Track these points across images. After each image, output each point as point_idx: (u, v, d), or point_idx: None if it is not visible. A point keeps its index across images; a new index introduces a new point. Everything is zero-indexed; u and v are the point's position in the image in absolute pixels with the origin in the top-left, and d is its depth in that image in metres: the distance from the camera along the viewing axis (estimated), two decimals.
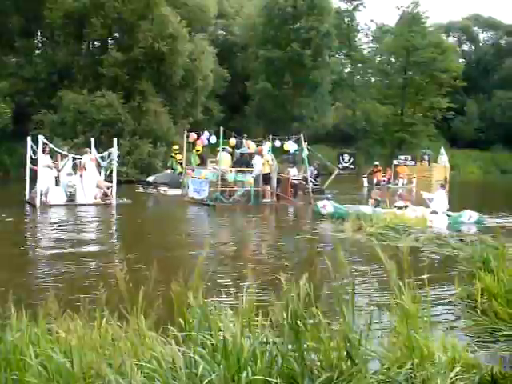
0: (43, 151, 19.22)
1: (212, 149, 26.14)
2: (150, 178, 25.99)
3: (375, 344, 4.70)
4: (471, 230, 15.33)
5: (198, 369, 3.89)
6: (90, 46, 36.81)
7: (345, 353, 4.30)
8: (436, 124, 55.65)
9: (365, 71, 61.11)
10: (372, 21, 65.08)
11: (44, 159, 19.26)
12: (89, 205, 19.29)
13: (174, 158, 27.61)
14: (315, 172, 25.29)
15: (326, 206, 17.36)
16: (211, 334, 4.24)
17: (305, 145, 23.83)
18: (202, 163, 24.93)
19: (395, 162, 36.28)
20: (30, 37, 36.32)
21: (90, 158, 20.36)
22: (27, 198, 19.45)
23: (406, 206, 17.03)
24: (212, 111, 44.04)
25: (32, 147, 19.52)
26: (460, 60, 65.68)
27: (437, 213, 16.50)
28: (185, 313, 4.36)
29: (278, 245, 13.41)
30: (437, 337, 5.00)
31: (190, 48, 33.81)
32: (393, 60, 57.69)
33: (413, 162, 36.88)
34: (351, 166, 42.18)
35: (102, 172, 21.11)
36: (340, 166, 37.48)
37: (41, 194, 18.69)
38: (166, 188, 24.76)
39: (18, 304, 4.66)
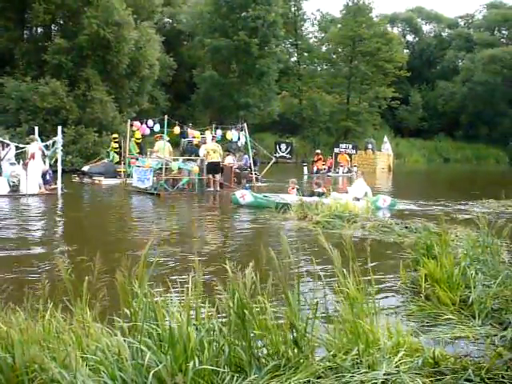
0: None
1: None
2: (85, 168, 25.39)
3: (321, 331, 4.76)
4: (387, 215, 15.72)
5: (144, 359, 3.85)
6: (33, 31, 35.97)
7: (291, 340, 4.33)
8: (381, 113, 56.49)
9: (311, 60, 61.49)
10: (318, 10, 65.61)
11: None
12: (33, 195, 18.90)
13: (111, 146, 27.31)
14: (250, 160, 25.21)
15: (245, 195, 17.31)
16: (158, 324, 4.21)
17: (242, 133, 23.98)
18: (141, 152, 24.84)
19: (336, 150, 36.65)
20: None
21: (38, 146, 19.93)
22: None
23: (322, 193, 17.21)
24: (158, 100, 43.72)
25: None
26: (404, 51, 66.76)
27: (358, 199, 16.84)
28: (130, 303, 4.32)
29: (224, 233, 13.41)
30: (382, 322, 5.08)
31: (136, 36, 33.32)
32: (339, 49, 58.20)
33: (353, 151, 37.31)
34: (288, 155, 42.50)
35: (47, 161, 20.70)
36: (277, 154, 37.59)
37: None
38: (101, 178, 24.33)
39: None
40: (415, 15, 74.97)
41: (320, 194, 17.05)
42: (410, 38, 76.02)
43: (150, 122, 23.32)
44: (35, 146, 19.76)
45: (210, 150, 21.54)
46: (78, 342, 4.11)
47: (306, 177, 30.21)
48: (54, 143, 20.55)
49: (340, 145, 38.05)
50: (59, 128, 20.51)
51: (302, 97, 55.40)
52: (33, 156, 19.43)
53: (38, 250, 10.50)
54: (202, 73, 47.42)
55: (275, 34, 47.92)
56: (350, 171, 34.82)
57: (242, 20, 45.20)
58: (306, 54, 60.97)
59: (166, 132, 21.67)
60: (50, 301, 4.54)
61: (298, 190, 18.00)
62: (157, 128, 22.77)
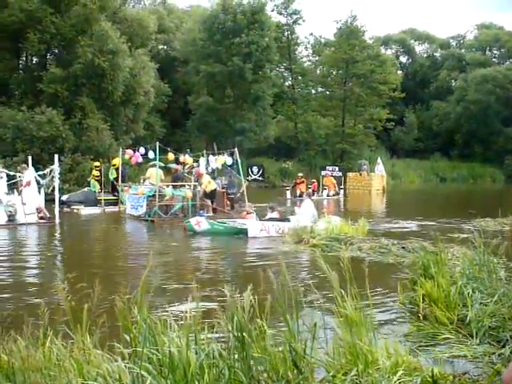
0: None
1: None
2: (64, 197, 24.44)
3: (320, 352, 4.78)
4: None
5: None
6: (28, 61, 36.22)
7: (291, 362, 4.36)
8: (377, 134, 56.67)
9: (305, 84, 61.80)
10: (311, 34, 65.99)
11: None
12: (30, 224, 18.88)
13: (92, 174, 26.90)
14: (225, 183, 25.06)
15: (201, 222, 16.75)
16: (158, 349, 4.24)
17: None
18: (117, 178, 25.05)
19: (323, 173, 36.57)
20: None
21: (33, 174, 19.92)
22: None
23: (276, 219, 17.04)
24: (154, 126, 43.85)
25: None
26: (398, 72, 67.21)
27: (315, 222, 16.67)
28: (130, 328, 4.35)
29: (221, 258, 13.42)
30: (380, 343, 5.10)
31: (131, 63, 33.53)
32: (333, 72, 58.53)
33: (340, 173, 37.21)
34: (260, 178, 42.62)
35: (42, 190, 20.66)
36: (249, 178, 37.64)
37: None
38: (79, 207, 23.85)
39: None
40: (408, 36, 75.63)
41: (274, 220, 16.85)
42: (403, 59, 76.61)
43: (142, 150, 23.49)
44: (31, 174, 19.75)
45: (208, 181, 21.77)
46: (79, 369, 4.12)
47: (288, 201, 30.13)
48: (50, 172, 20.58)
49: (326, 167, 37.98)
50: (56, 156, 20.56)
51: (298, 120, 55.58)
52: (28, 183, 19.41)
53: (37, 277, 10.52)
54: (197, 99, 47.70)
55: (269, 59, 48.27)
56: (337, 194, 34.72)
57: (235, 46, 45.50)
58: (300, 77, 61.24)
59: (157, 159, 21.80)
60: (50, 328, 4.56)
61: (255, 214, 17.73)
62: (150, 155, 22.88)
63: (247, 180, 29.39)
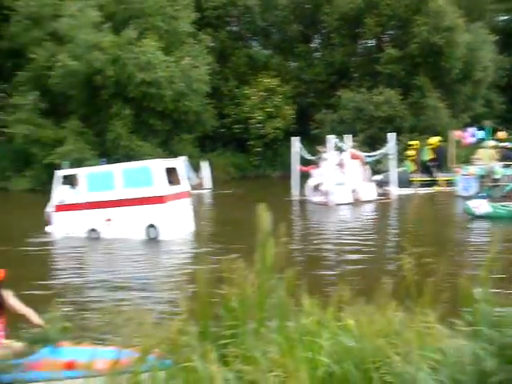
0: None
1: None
2: (378, 177, 24.06)
3: None
4: None
5: (485, 367, 3.80)
6: (365, 44, 37.63)
7: None
8: None
9: None
10: None
11: (333, 158, 20.18)
12: (370, 201, 20.09)
13: (407, 155, 26.12)
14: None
15: (481, 205, 15.05)
16: (500, 331, 4.13)
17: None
18: (436, 159, 24.55)
19: None
20: (308, 42, 38.74)
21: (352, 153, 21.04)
22: (294, 197, 20.76)
23: None
24: (492, 103, 41.87)
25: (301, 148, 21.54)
26: None
27: None
28: (471, 307, 4.32)
29: None
30: None
31: (468, 38, 32.68)
32: None
33: None
34: None
35: (368, 168, 21.55)
36: None
37: (325, 193, 19.54)
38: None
39: (311, 294, 5.03)
40: None
41: None
42: None
43: (471, 130, 23.01)
44: (347, 155, 20.85)
45: None
46: (419, 341, 4.22)
47: None
48: (386, 151, 21.42)
49: None
50: (390, 135, 21.24)
51: None
52: (342, 163, 20.48)
53: (380, 251, 11.03)
54: None
55: None
56: None
57: None
58: None
59: (488, 138, 21.20)
60: (393, 299, 4.75)
61: None
62: (481, 135, 22.42)
63: None
